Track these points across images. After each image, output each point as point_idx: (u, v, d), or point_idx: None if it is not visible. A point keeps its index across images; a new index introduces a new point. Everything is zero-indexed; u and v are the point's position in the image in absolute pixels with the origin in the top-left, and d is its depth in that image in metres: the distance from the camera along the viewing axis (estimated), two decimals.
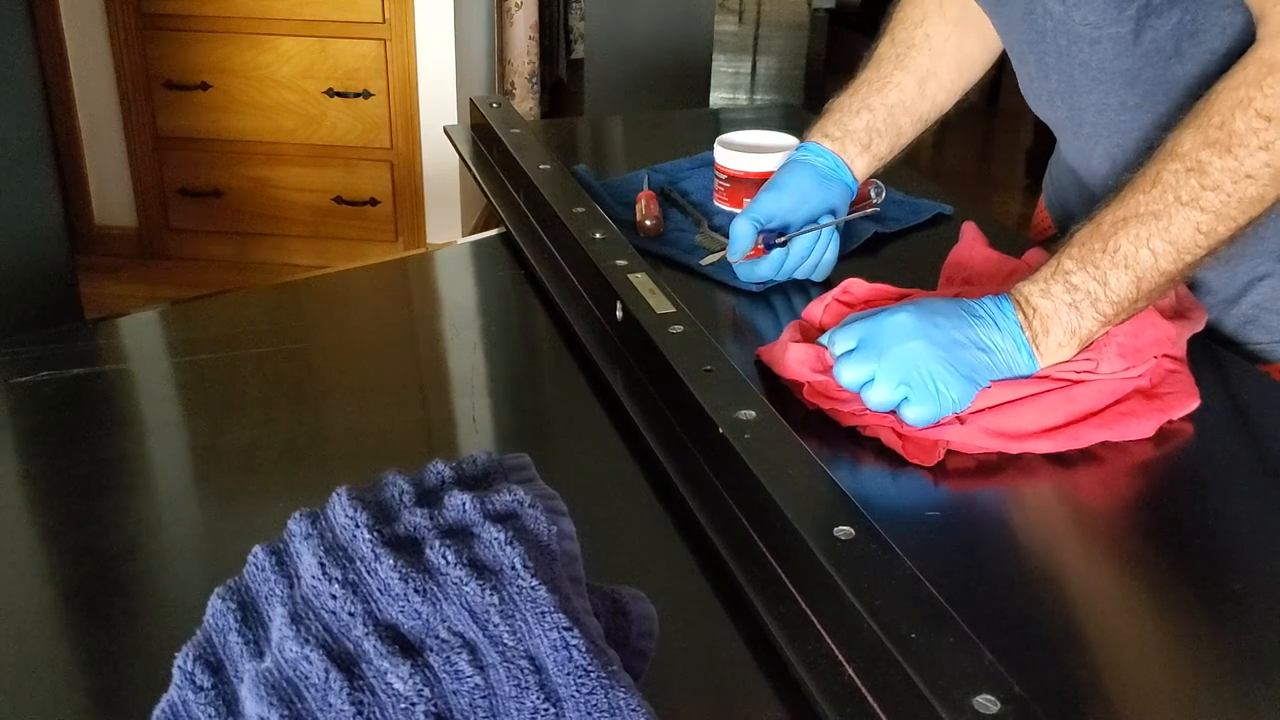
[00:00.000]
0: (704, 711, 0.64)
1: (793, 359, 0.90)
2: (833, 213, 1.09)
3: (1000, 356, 0.85)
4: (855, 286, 0.97)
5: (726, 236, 1.16)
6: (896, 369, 0.83)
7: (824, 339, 0.89)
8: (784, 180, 1.10)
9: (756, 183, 1.20)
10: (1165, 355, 0.89)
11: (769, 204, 1.07)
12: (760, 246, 1.05)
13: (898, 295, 0.98)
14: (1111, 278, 0.83)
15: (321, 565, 0.54)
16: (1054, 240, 1.13)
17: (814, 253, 1.08)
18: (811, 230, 1.06)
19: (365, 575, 0.54)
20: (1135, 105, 0.95)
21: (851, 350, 0.86)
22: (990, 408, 0.84)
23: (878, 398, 0.84)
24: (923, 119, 1.13)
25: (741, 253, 1.06)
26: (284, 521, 0.58)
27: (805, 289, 1.09)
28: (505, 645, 0.50)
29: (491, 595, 0.52)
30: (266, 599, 0.55)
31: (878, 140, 1.11)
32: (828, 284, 0.96)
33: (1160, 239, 0.81)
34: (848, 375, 0.85)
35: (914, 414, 0.83)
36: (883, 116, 1.10)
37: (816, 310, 0.97)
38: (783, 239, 1.06)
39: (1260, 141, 0.78)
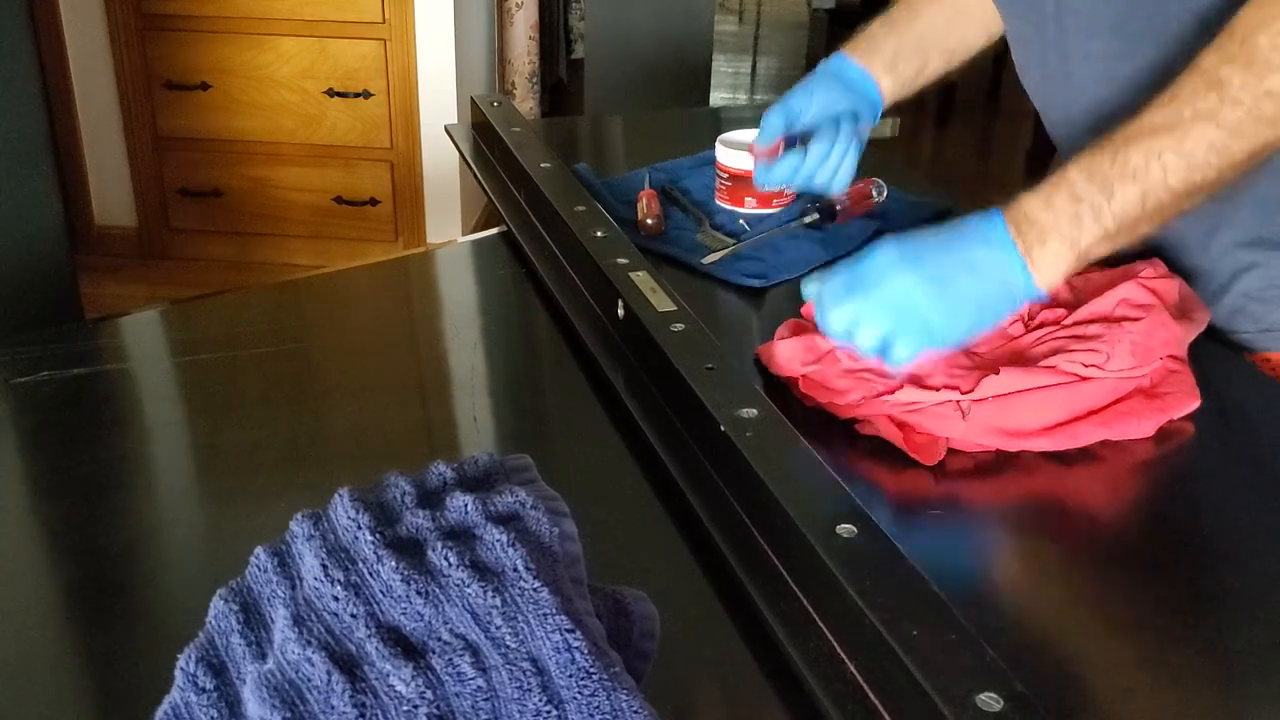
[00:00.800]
0: (706, 711, 0.64)
1: (781, 355, 0.90)
2: (855, 117, 1.11)
3: (991, 274, 0.80)
4: None
5: (728, 235, 1.16)
6: (881, 307, 0.81)
7: (806, 292, 0.89)
8: (812, 84, 1.14)
9: None
10: (1167, 355, 0.89)
11: (799, 100, 1.12)
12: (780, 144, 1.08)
13: None
14: (1118, 190, 0.79)
15: (324, 567, 0.54)
16: None
17: (831, 157, 1.10)
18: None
19: (367, 577, 0.53)
20: (1120, 54, 0.95)
21: (838, 293, 0.84)
22: (995, 397, 0.83)
23: (866, 341, 0.81)
24: (951, 53, 1.16)
25: (767, 142, 1.12)
26: (285, 522, 0.58)
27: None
28: (507, 647, 0.50)
29: (494, 597, 0.52)
30: (269, 600, 0.55)
31: (903, 64, 1.14)
32: None
33: (1172, 153, 0.78)
34: (834, 321, 0.83)
35: (901, 351, 0.81)
36: (910, 43, 1.14)
37: None
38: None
39: None
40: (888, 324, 0.81)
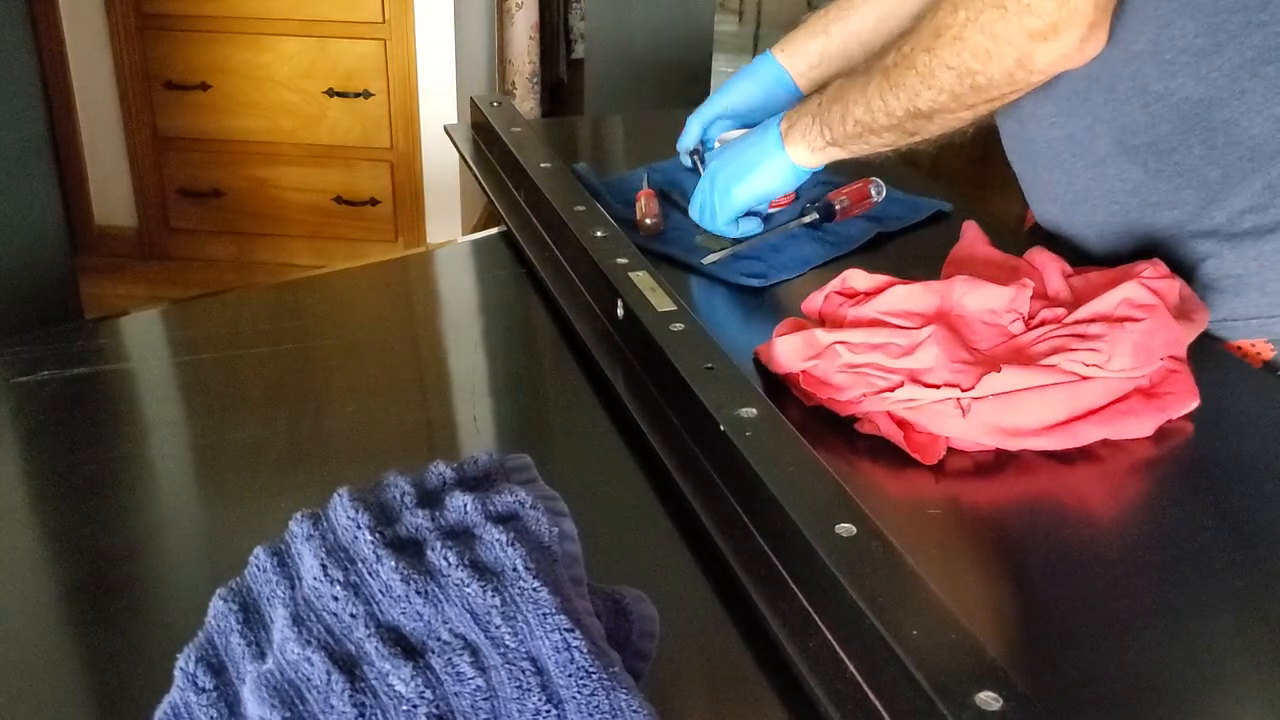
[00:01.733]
0: (705, 711, 0.64)
1: (781, 352, 0.90)
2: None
3: (760, 152, 1.09)
4: (855, 278, 0.97)
5: (728, 235, 1.16)
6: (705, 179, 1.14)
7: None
8: (733, 85, 1.26)
9: None
10: (1167, 355, 0.89)
11: (717, 103, 1.26)
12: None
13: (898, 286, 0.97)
14: (832, 108, 1.03)
15: (323, 566, 0.54)
16: (1039, 230, 1.15)
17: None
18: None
19: (367, 577, 0.54)
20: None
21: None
22: (995, 395, 0.83)
23: (692, 212, 1.16)
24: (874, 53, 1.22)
25: (686, 149, 1.27)
26: (285, 521, 0.58)
27: (806, 287, 1.09)
28: (507, 647, 0.50)
29: (493, 597, 0.52)
30: (268, 600, 0.55)
31: (827, 65, 1.23)
32: (827, 278, 0.96)
33: (859, 90, 1.00)
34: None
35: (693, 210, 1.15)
36: (837, 43, 1.22)
37: (816, 302, 0.97)
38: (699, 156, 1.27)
39: (925, 45, 0.93)
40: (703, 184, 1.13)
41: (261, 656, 0.53)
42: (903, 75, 0.95)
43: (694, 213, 1.16)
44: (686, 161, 1.30)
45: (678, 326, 0.87)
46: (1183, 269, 1.00)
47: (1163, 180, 0.99)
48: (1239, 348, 1.00)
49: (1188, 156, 0.97)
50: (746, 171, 1.09)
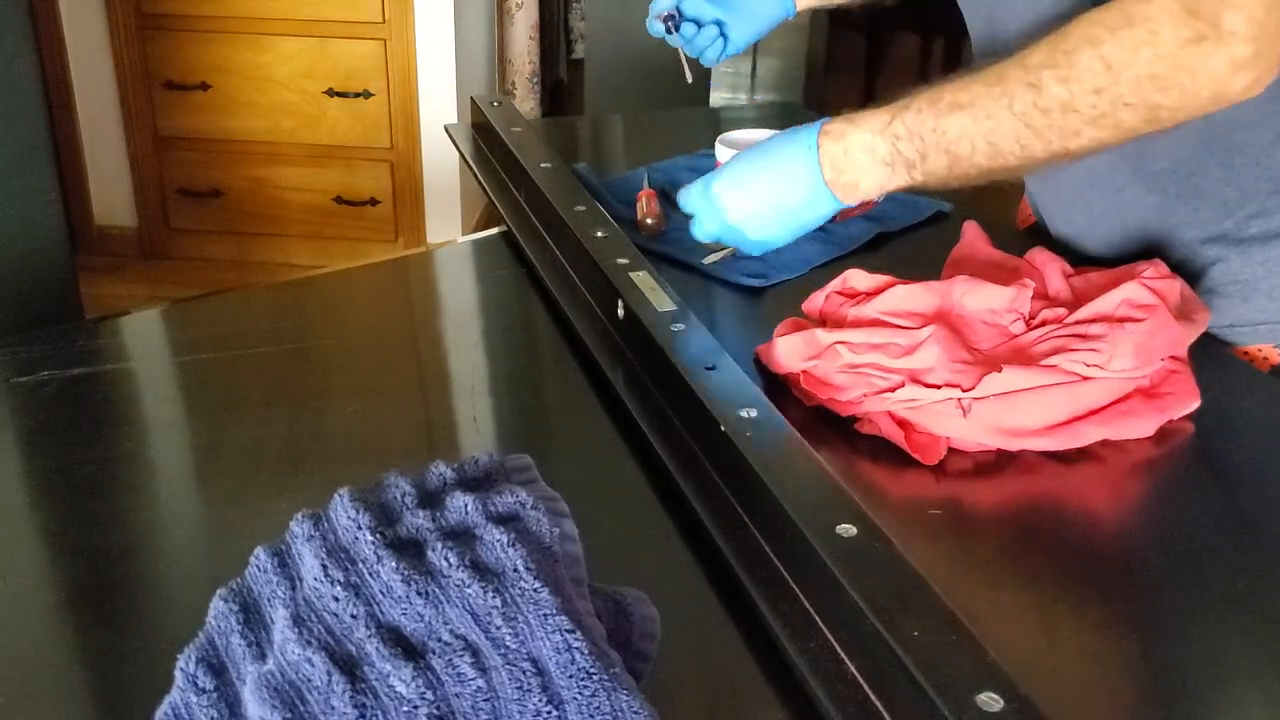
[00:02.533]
0: (706, 711, 0.64)
1: (781, 352, 0.90)
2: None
3: (796, 190, 0.94)
4: (855, 278, 0.97)
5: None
6: (712, 206, 0.98)
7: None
8: None
9: None
10: (1168, 355, 0.89)
11: None
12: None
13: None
14: (932, 157, 0.88)
15: (324, 567, 0.54)
16: (1036, 231, 1.14)
17: (699, 39, 1.22)
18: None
19: (367, 577, 0.53)
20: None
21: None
22: (996, 395, 0.83)
23: (697, 231, 1.01)
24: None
25: (659, 14, 1.21)
26: (285, 521, 0.58)
27: (806, 287, 1.09)
28: (508, 648, 0.50)
29: (494, 597, 0.52)
30: (269, 601, 0.55)
31: None
32: (827, 278, 0.96)
33: (984, 137, 0.86)
34: (685, 202, 1.00)
35: (698, 231, 1.00)
36: None
37: (816, 301, 0.97)
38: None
39: (1094, 85, 0.82)
40: (715, 223, 0.98)
41: (262, 657, 0.53)
42: (1054, 121, 0.83)
43: (684, 206, 1.03)
44: (657, 29, 1.23)
45: (678, 326, 0.87)
46: (1191, 274, 1.00)
47: (1181, 203, 0.99)
48: (1246, 353, 1.00)
49: (1206, 179, 0.97)
50: (776, 217, 0.96)
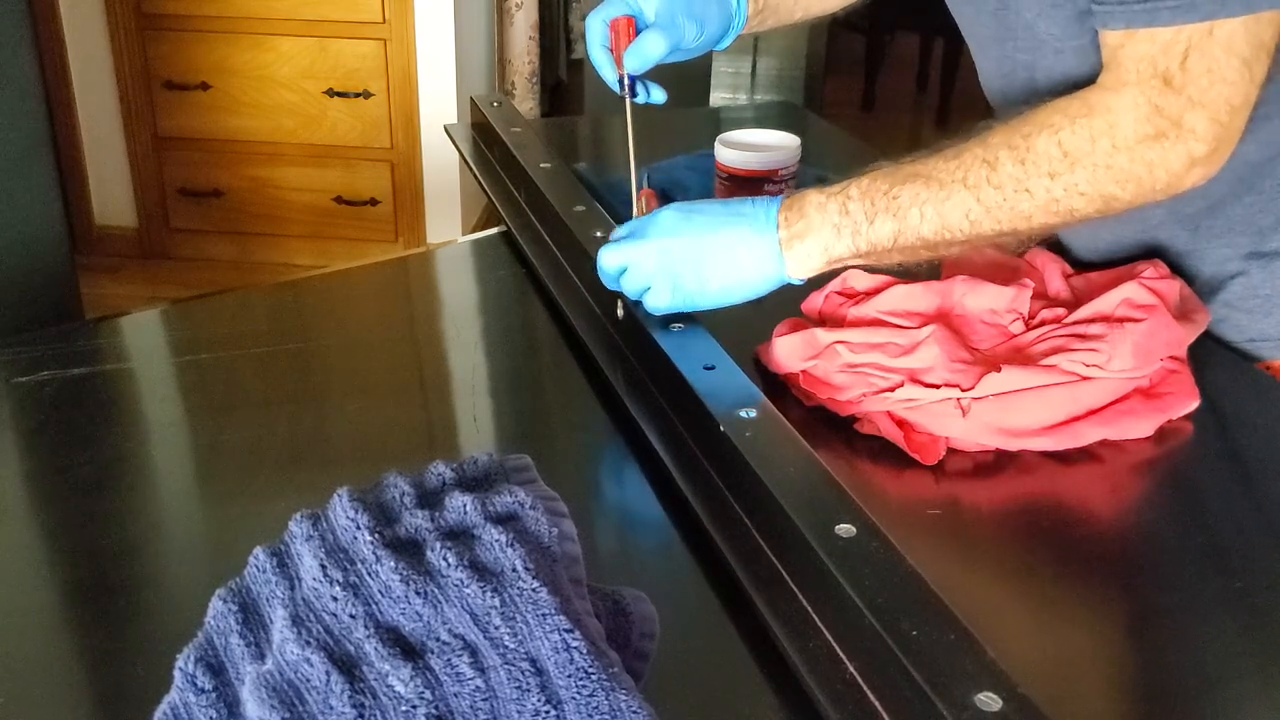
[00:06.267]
0: (705, 711, 0.64)
1: (780, 352, 0.90)
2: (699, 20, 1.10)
3: (747, 254, 0.88)
4: (855, 278, 0.97)
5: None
6: (646, 258, 0.88)
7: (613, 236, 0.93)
8: None
9: (758, 181, 1.20)
10: (1167, 355, 0.89)
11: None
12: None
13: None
14: (879, 221, 0.85)
15: (323, 567, 0.54)
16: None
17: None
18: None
19: (366, 577, 0.54)
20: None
21: (620, 239, 0.91)
22: (995, 395, 0.83)
23: (628, 285, 0.89)
24: (806, 9, 1.16)
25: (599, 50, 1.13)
26: (285, 522, 0.58)
27: (806, 287, 1.09)
28: (506, 647, 0.50)
29: (493, 597, 0.52)
30: (268, 601, 0.55)
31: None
32: (828, 278, 0.96)
33: (934, 207, 0.84)
34: (606, 260, 0.90)
35: (655, 300, 0.88)
36: None
37: (816, 301, 0.97)
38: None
39: (1049, 169, 0.81)
40: (648, 275, 0.88)
41: (261, 657, 0.53)
42: (1007, 199, 0.83)
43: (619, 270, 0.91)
44: (605, 75, 1.15)
45: (678, 326, 0.87)
46: (1210, 288, 1.00)
47: (1214, 235, 0.98)
48: (1269, 368, 1.00)
49: (1238, 207, 0.96)
50: (716, 275, 0.88)
